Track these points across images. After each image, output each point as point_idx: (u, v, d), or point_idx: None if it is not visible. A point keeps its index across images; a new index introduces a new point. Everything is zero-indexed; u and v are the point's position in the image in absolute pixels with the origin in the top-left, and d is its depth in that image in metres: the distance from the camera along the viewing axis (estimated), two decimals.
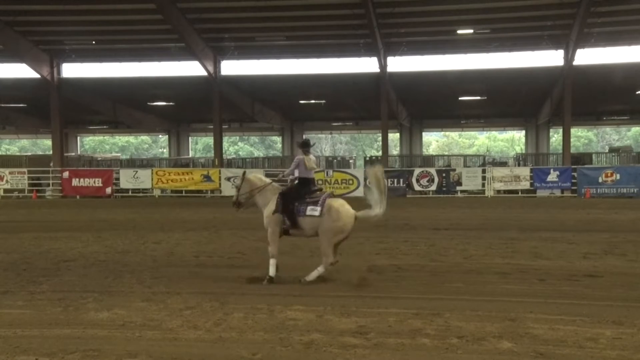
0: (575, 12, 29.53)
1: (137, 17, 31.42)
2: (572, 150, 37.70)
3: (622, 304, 7.85)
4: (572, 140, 35.64)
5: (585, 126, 56.02)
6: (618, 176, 29.25)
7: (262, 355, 6.01)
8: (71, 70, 36.97)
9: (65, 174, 32.67)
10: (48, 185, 33.70)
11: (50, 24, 32.83)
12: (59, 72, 35.90)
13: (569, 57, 31.88)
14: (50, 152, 38.41)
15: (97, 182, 32.33)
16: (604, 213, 20.73)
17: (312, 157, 10.04)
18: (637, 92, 35.53)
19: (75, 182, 32.37)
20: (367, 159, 41.06)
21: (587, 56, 32.57)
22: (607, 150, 45.29)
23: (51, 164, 35.35)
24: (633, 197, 28.37)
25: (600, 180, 29.35)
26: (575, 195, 29.39)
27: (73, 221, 19.62)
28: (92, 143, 70.57)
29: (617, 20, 30.44)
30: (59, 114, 35.53)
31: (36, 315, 7.59)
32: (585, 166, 32.37)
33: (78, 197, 31.90)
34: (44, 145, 65.02)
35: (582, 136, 69.64)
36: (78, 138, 52.51)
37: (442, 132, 70.35)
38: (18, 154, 59.50)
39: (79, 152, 49.14)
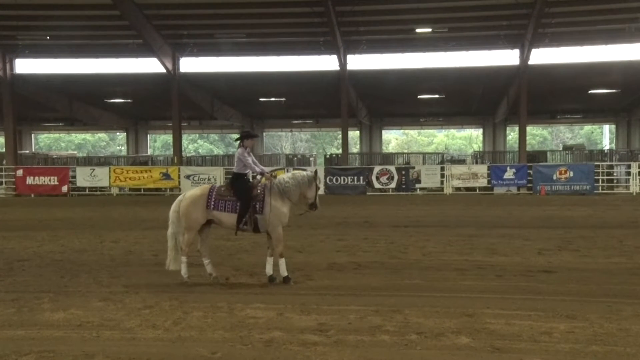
0: (530, 13, 30.08)
1: (94, 13, 30.77)
2: (528, 148, 38.32)
3: (575, 299, 8.07)
4: (527, 138, 36.12)
5: (541, 124, 57.07)
6: (571, 173, 29.88)
7: (222, 354, 5.99)
8: (25, 66, 36.07)
9: (19, 172, 31.88)
10: (1, 183, 32.85)
11: (3, 18, 31.86)
12: (11, 68, 34.93)
13: (524, 57, 32.42)
14: (3, 150, 37.42)
15: (53, 181, 31.61)
16: (558, 210, 21.21)
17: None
18: (589, 92, 36.39)
19: (29, 180, 31.61)
20: (327, 156, 41.12)
21: (542, 56, 33.23)
22: (561, 148, 46.30)
23: (4, 162, 34.46)
24: (585, 194, 29.03)
25: (554, 177, 29.94)
26: (531, 192, 29.93)
27: (27, 220, 19.21)
28: (48, 140, 69.01)
29: (571, 21, 31.15)
30: (12, 110, 34.55)
31: None
32: (540, 164, 33.01)
33: (32, 195, 31.16)
34: None
35: (537, 134, 70.99)
36: (32, 135, 51.23)
37: (402, 130, 70.89)
38: None
39: (33, 150, 48.00)
